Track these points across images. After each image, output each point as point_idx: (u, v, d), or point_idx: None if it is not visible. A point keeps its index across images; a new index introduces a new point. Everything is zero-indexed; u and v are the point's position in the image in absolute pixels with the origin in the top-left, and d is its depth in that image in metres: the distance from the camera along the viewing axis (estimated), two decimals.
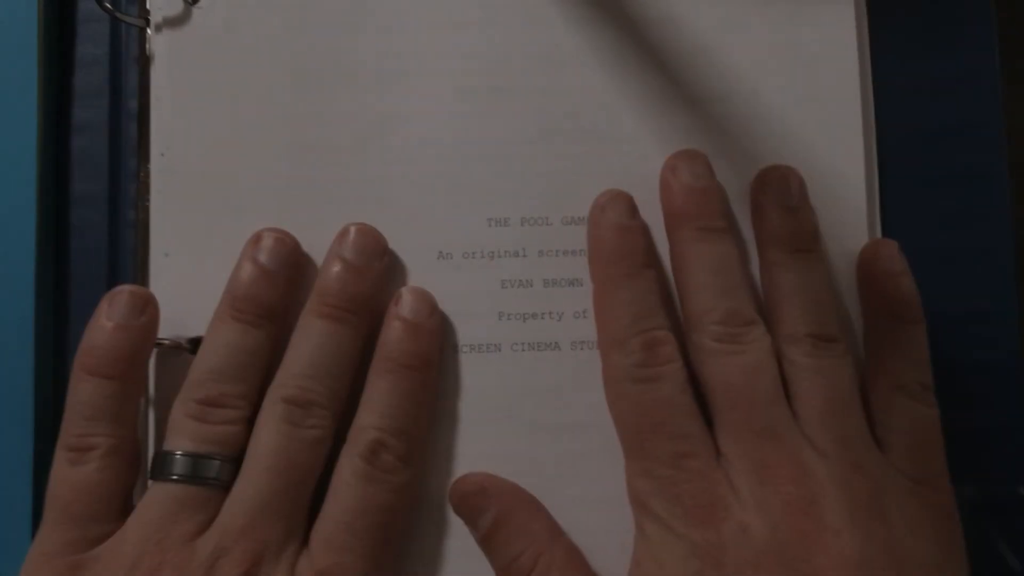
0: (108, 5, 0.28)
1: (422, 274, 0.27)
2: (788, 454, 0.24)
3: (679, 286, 0.27)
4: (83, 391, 0.24)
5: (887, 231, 0.28)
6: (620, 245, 0.26)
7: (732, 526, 0.24)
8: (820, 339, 0.25)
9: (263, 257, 0.26)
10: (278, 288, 0.26)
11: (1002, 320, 0.29)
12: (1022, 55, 0.30)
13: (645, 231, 0.27)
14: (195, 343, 0.27)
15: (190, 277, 0.27)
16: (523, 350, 0.27)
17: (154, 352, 0.27)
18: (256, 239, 0.26)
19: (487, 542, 0.26)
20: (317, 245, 0.27)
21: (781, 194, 0.27)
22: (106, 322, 0.25)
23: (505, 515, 0.26)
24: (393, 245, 0.27)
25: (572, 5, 0.28)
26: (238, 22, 0.28)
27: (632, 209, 0.27)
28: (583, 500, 0.26)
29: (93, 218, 0.29)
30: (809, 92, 0.28)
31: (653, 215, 0.27)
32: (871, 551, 0.23)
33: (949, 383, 0.28)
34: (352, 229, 0.27)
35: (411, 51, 0.28)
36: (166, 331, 0.27)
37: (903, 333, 0.26)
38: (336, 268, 0.26)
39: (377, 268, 0.26)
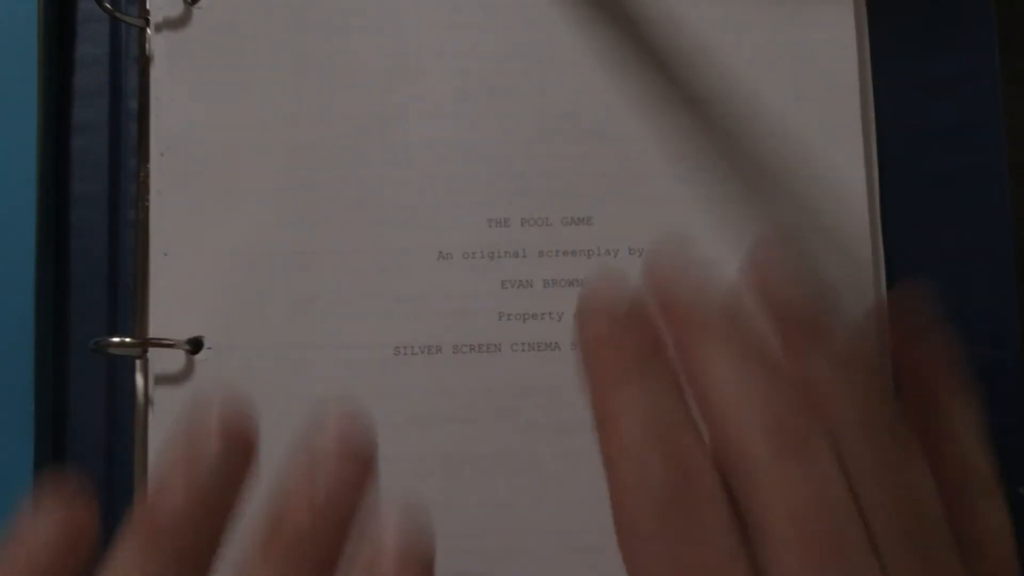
0: (108, 5, 0.28)
1: (422, 274, 0.27)
2: None
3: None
4: None
5: (887, 231, 0.28)
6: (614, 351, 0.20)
7: None
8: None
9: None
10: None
11: (1002, 320, 0.29)
12: (1022, 55, 0.30)
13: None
14: (194, 343, 0.27)
15: (190, 277, 0.27)
16: (523, 350, 0.27)
17: (152, 352, 0.27)
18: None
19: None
20: (316, 245, 0.27)
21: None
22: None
23: None
24: (393, 245, 0.27)
25: (572, 5, 0.28)
26: (238, 22, 0.28)
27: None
28: (583, 500, 0.26)
29: (93, 218, 0.29)
30: (809, 92, 0.28)
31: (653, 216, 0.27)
32: None
33: None
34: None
35: (411, 51, 0.28)
36: (165, 331, 0.27)
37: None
38: None
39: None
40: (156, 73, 0.28)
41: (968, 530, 0.20)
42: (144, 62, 0.28)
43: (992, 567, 0.20)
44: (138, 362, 0.27)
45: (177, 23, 0.28)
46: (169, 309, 0.27)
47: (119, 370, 0.28)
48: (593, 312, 0.20)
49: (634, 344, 0.19)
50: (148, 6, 0.28)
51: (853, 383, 0.19)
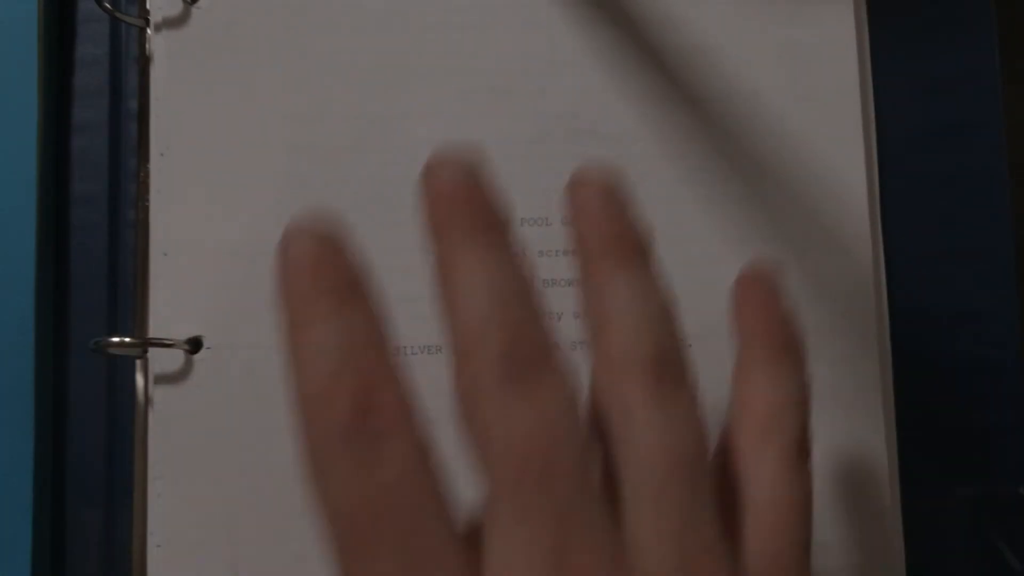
0: (108, 5, 0.28)
1: (422, 274, 0.27)
2: (600, 550, 0.16)
3: (440, 303, 0.19)
4: None
5: (887, 231, 0.28)
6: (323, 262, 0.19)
7: None
8: (666, 372, 0.18)
9: None
10: None
11: (1002, 320, 0.29)
12: (1022, 55, 0.30)
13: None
14: (194, 343, 0.27)
15: (190, 277, 0.27)
16: None
17: (151, 352, 0.27)
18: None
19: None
20: None
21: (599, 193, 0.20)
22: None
23: None
24: (393, 245, 0.27)
25: (572, 6, 0.28)
26: (238, 22, 0.28)
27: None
28: None
29: (93, 218, 0.29)
30: (809, 92, 0.28)
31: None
32: None
33: (949, 383, 0.28)
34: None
35: (411, 51, 0.28)
36: (165, 331, 0.27)
37: (779, 370, 0.20)
38: None
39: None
40: (156, 73, 0.28)
41: (743, 493, 0.19)
42: (144, 62, 0.28)
43: (756, 534, 0.19)
44: (138, 362, 0.27)
45: (176, 23, 0.28)
46: (169, 309, 0.27)
47: (119, 370, 0.28)
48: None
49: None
50: (148, 6, 0.28)
51: (642, 317, 0.18)
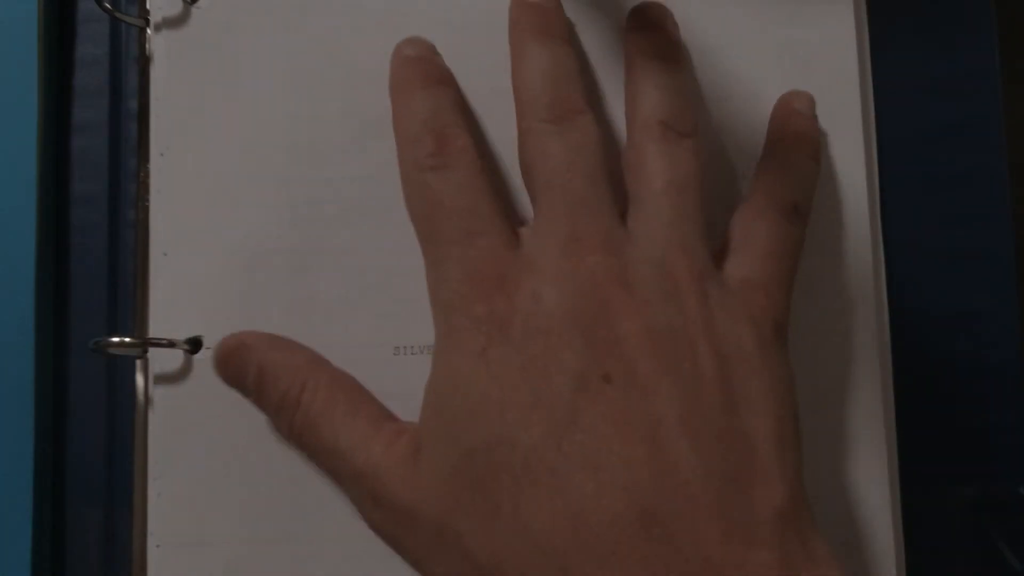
0: (108, 5, 0.28)
1: (422, 274, 0.27)
2: (602, 226, 0.23)
3: (513, 83, 0.26)
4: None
5: (887, 231, 0.28)
6: (412, 68, 0.27)
7: (523, 295, 0.22)
8: (672, 129, 0.25)
9: None
10: None
11: (1002, 320, 0.29)
12: (1022, 55, 0.30)
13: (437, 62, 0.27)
14: (194, 343, 0.27)
15: (190, 277, 0.27)
16: None
17: (150, 353, 0.27)
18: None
19: (259, 397, 0.25)
20: (316, 245, 0.27)
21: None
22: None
23: (266, 361, 0.25)
24: (393, 246, 0.27)
25: (572, 6, 0.28)
26: (237, 22, 0.28)
27: (433, 48, 0.27)
28: None
29: (93, 218, 0.29)
30: (809, 92, 0.28)
31: None
32: (683, 323, 0.22)
33: (949, 383, 0.28)
34: None
35: None
36: (164, 331, 0.27)
37: (793, 159, 0.26)
38: None
39: None
40: (156, 73, 0.28)
41: (738, 237, 0.25)
42: (144, 62, 0.28)
43: (742, 261, 0.25)
44: (138, 362, 0.27)
45: (176, 23, 0.28)
46: (169, 309, 0.27)
47: (119, 370, 0.28)
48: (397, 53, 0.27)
49: (422, 70, 0.27)
50: (148, 6, 0.28)
51: (667, 83, 0.26)
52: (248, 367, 0.25)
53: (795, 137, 0.27)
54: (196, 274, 0.27)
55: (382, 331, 0.27)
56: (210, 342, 0.27)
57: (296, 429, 0.25)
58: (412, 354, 0.27)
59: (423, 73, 0.26)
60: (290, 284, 0.27)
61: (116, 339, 0.27)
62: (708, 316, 0.22)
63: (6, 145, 0.28)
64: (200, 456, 0.26)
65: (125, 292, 0.28)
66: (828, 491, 0.26)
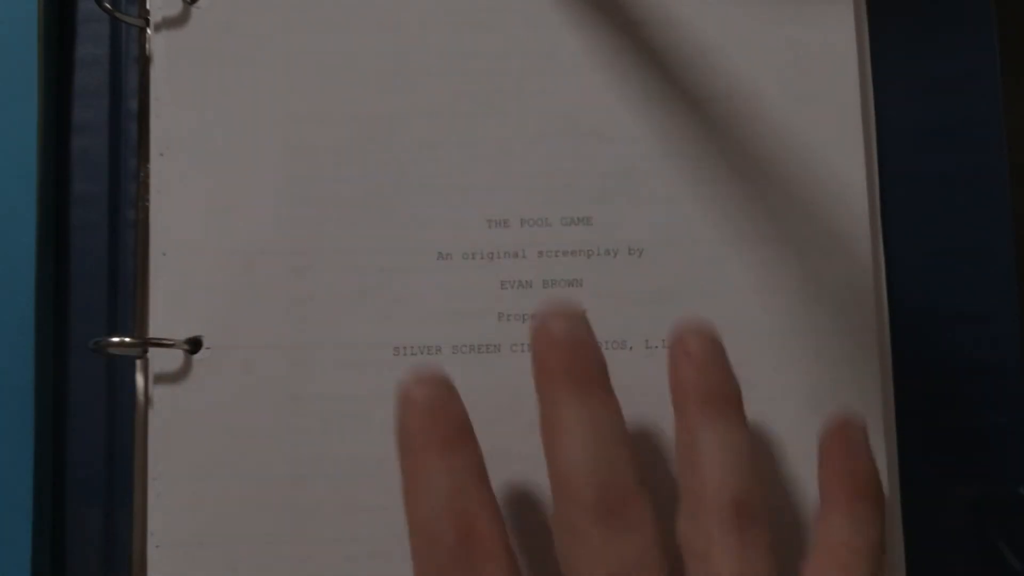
0: (108, 5, 0.28)
1: (421, 274, 0.27)
2: None
3: (545, 446, 0.23)
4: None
5: (887, 231, 0.28)
6: (424, 425, 0.22)
7: None
8: (747, 515, 0.21)
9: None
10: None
11: (1002, 320, 0.29)
12: (1022, 55, 0.30)
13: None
14: (194, 343, 0.27)
15: (190, 277, 0.27)
16: (523, 350, 0.27)
17: (150, 352, 0.27)
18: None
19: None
20: (316, 245, 0.27)
21: (699, 345, 0.23)
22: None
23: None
24: (392, 246, 0.27)
25: (572, 6, 0.28)
26: (237, 22, 0.28)
27: (447, 385, 0.23)
28: None
29: (93, 218, 0.29)
30: (809, 92, 0.28)
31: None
32: None
33: (949, 383, 0.28)
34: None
35: (411, 51, 0.28)
36: (164, 331, 0.27)
37: (860, 515, 0.23)
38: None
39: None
40: (156, 73, 0.28)
41: None
42: (144, 62, 0.28)
43: None
44: (138, 362, 0.27)
45: (176, 23, 0.28)
46: (169, 309, 0.27)
47: (119, 370, 0.28)
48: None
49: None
50: (148, 6, 0.28)
51: (728, 464, 0.22)
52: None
53: (855, 497, 0.23)
54: (196, 274, 0.27)
55: (382, 331, 0.27)
56: (210, 342, 0.27)
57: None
58: (412, 354, 0.27)
59: (439, 432, 0.22)
60: (290, 284, 0.27)
61: (116, 339, 0.27)
62: None
63: (6, 145, 0.28)
64: (200, 456, 0.26)
65: (125, 292, 0.28)
66: None
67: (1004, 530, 0.28)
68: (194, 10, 0.28)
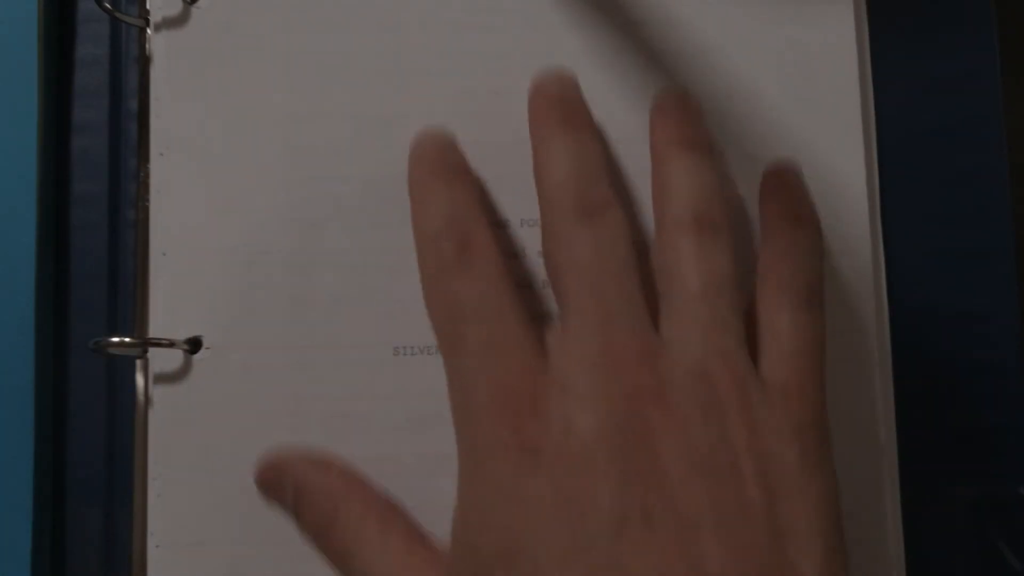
0: (108, 5, 0.28)
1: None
2: (638, 338, 0.22)
3: (535, 178, 0.25)
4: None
5: (887, 231, 0.28)
6: (429, 162, 0.26)
7: (556, 419, 0.21)
8: (706, 224, 0.23)
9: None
10: None
11: (1002, 320, 0.29)
12: (1022, 55, 0.30)
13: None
14: (193, 343, 0.27)
15: (190, 277, 0.27)
16: None
17: (150, 353, 0.27)
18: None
19: (297, 519, 0.25)
20: (316, 245, 0.27)
21: (675, 103, 0.26)
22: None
23: (301, 483, 0.25)
24: (392, 246, 0.27)
25: (572, 6, 0.28)
26: (237, 22, 0.28)
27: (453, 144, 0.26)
28: None
29: (93, 218, 0.29)
30: (809, 92, 0.28)
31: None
32: (725, 445, 0.21)
33: (949, 383, 0.28)
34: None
35: (411, 51, 0.28)
36: (164, 331, 0.27)
37: (799, 238, 0.25)
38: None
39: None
40: (156, 73, 0.28)
41: (766, 333, 0.24)
42: (144, 62, 0.28)
43: (775, 357, 0.23)
44: (138, 362, 0.27)
45: (176, 23, 0.28)
46: (169, 309, 0.27)
47: (119, 370, 0.28)
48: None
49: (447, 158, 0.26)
50: (148, 6, 0.28)
51: (698, 180, 0.24)
52: (285, 489, 0.25)
53: (792, 214, 0.26)
54: (196, 274, 0.27)
55: (382, 331, 0.27)
56: (210, 342, 0.27)
57: (331, 555, 0.24)
58: (412, 354, 0.27)
59: (442, 168, 0.25)
60: (290, 284, 0.27)
61: (116, 339, 0.27)
62: (751, 433, 0.21)
63: (6, 145, 0.28)
64: (200, 456, 0.26)
65: (125, 292, 0.28)
66: None
67: (1004, 530, 0.28)
68: (194, 10, 0.28)
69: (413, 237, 0.25)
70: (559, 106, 0.25)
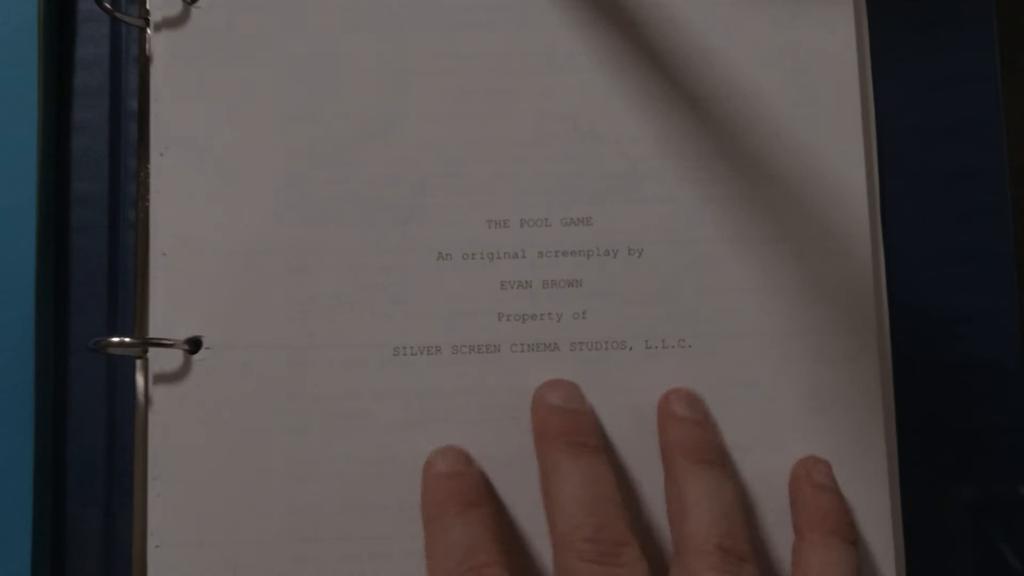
0: (108, 5, 0.28)
1: (421, 274, 0.27)
2: None
3: (545, 504, 0.25)
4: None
5: (887, 231, 0.28)
6: (446, 489, 0.25)
7: None
8: (730, 555, 0.23)
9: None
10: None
11: (1002, 320, 0.29)
12: (1022, 55, 0.30)
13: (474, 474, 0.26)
14: (193, 343, 0.27)
15: (190, 277, 0.27)
16: (522, 351, 0.27)
17: (150, 353, 0.27)
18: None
19: None
20: (316, 245, 0.27)
21: (685, 407, 0.26)
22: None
23: None
24: (392, 246, 0.27)
25: (572, 6, 0.28)
26: (237, 22, 0.28)
27: (466, 457, 0.26)
28: None
29: (93, 218, 0.29)
30: (809, 92, 0.28)
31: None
32: None
33: (949, 383, 0.28)
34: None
35: (411, 51, 0.28)
36: (164, 331, 0.27)
37: (835, 546, 0.24)
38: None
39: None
40: (156, 73, 0.28)
41: None
42: (144, 62, 0.28)
43: None
44: (138, 362, 0.27)
45: (176, 23, 0.28)
46: (169, 309, 0.27)
47: (119, 370, 0.28)
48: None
49: (456, 490, 0.25)
50: (148, 6, 0.28)
51: (718, 503, 0.24)
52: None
53: (827, 519, 0.25)
54: (196, 274, 0.27)
55: (382, 331, 0.27)
56: (210, 342, 0.27)
57: None
58: (412, 354, 0.27)
59: (458, 495, 0.25)
60: (290, 284, 0.27)
61: (116, 339, 0.27)
62: None
63: (6, 145, 0.28)
64: (200, 456, 0.26)
65: (125, 292, 0.28)
66: None
67: (1004, 530, 0.28)
68: (194, 10, 0.28)
69: (426, 570, 0.24)
70: (568, 420, 0.25)
